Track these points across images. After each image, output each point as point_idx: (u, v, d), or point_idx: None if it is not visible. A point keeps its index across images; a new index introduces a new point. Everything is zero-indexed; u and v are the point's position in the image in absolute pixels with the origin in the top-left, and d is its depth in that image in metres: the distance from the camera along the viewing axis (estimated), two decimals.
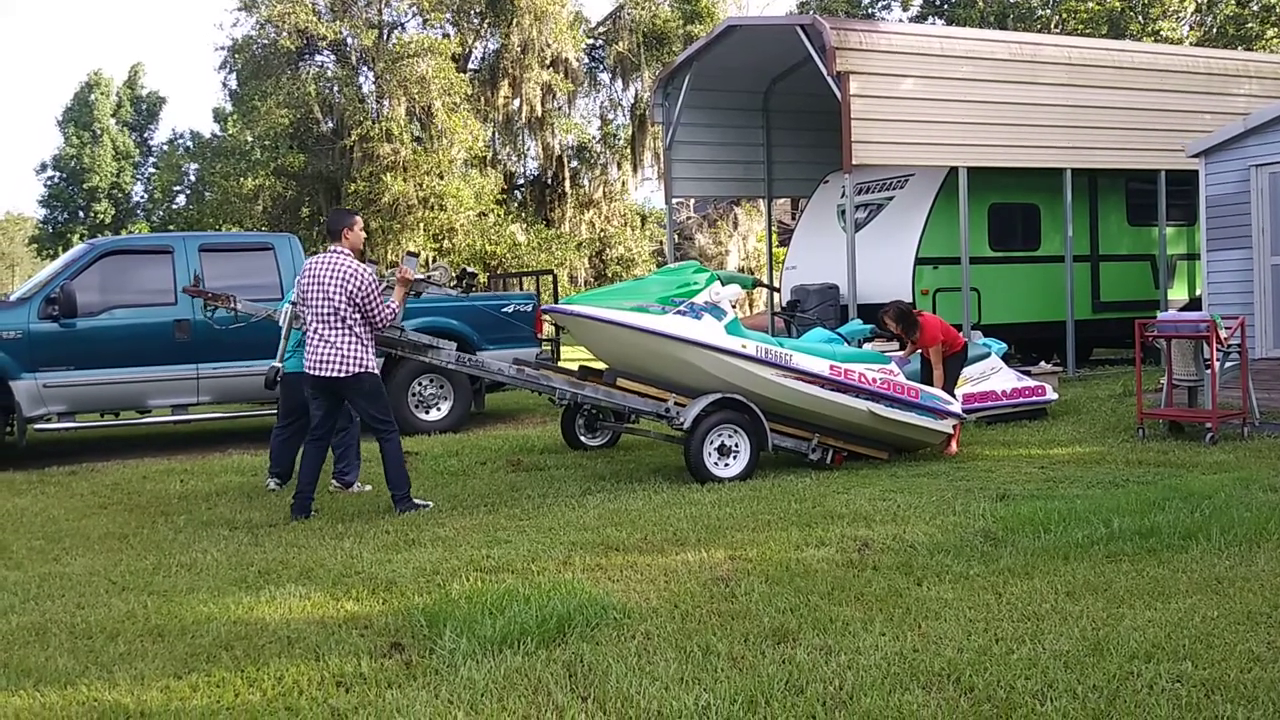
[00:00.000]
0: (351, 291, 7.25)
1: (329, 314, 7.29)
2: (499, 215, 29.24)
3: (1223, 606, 4.83)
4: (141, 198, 52.60)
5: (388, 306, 7.48)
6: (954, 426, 9.38)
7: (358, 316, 7.33)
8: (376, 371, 7.50)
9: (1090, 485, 7.79)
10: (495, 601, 4.91)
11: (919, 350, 10.08)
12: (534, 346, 12.65)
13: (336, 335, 7.30)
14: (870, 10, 31.37)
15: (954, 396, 9.60)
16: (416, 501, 7.65)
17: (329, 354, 7.30)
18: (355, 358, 7.32)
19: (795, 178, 18.57)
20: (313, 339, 7.39)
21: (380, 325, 7.44)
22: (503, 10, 29.56)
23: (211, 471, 9.73)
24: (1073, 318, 15.05)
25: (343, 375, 7.31)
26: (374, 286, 7.36)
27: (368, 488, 8.43)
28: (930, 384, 9.53)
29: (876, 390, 8.78)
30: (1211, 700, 3.81)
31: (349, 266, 7.31)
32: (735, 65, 17.03)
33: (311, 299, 7.36)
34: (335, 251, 7.42)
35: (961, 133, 14.04)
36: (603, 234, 32.74)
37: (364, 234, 7.80)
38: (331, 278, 7.28)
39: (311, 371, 7.38)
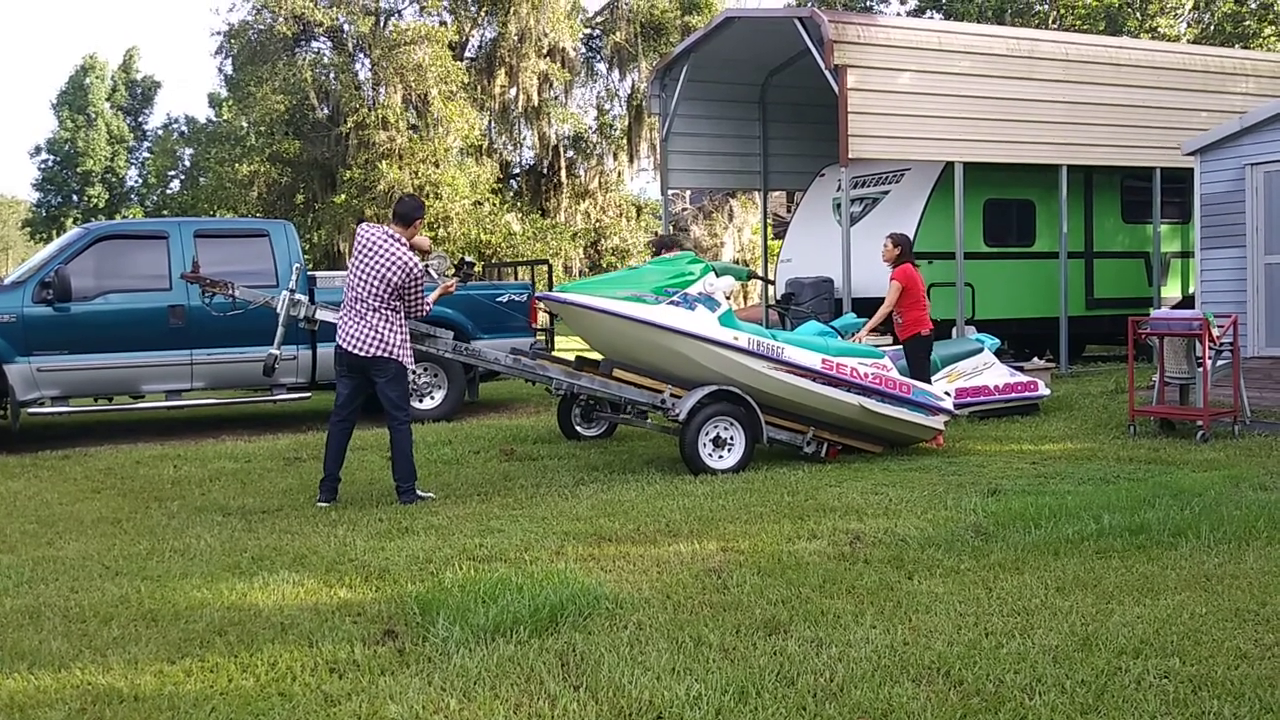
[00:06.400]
0: (396, 283, 7.33)
1: (365, 294, 7.37)
2: (494, 204, 29.17)
3: (1211, 603, 4.86)
4: (136, 182, 52.49)
5: (426, 301, 7.62)
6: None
7: (395, 303, 7.41)
8: (405, 359, 7.53)
9: (1081, 481, 7.83)
10: (488, 590, 4.93)
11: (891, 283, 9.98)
12: (528, 336, 12.65)
13: (372, 314, 7.37)
14: (868, 4, 31.33)
15: (928, 384, 9.61)
16: (420, 493, 7.67)
17: (361, 331, 7.38)
18: (385, 340, 7.40)
19: (791, 170, 18.55)
20: (348, 314, 7.46)
21: (415, 316, 7.58)
22: None
23: (205, 457, 9.73)
24: (1066, 314, 15.08)
25: (368, 354, 7.38)
26: (421, 278, 7.46)
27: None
28: (918, 378, 9.53)
29: (868, 385, 8.80)
30: (1199, 696, 3.84)
31: (403, 259, 7.36)
32: (733, 57, 17.01)
33: (353, 275, 7.44)
34: (392, 236, 7.46)
35: (958, 128, 14.05)
36: (598, 224, 32.69)
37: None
38: (382, 262, 7.34)
39: (343, 346, 7.46)
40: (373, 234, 7.49)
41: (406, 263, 7.36)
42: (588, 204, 32.71)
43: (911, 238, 14.02)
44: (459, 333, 10.78)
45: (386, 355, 7.41)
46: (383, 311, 7.38)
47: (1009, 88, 14.38)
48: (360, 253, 7.45)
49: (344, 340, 7.46)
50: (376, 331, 7.38)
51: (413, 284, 7.41)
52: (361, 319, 7.40)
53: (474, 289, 12.74)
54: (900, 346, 10.19)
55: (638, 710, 3.77)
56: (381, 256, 7.35)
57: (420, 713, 3.77)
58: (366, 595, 5.20)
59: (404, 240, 7.49)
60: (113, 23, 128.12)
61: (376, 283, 7.34)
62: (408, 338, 7.57)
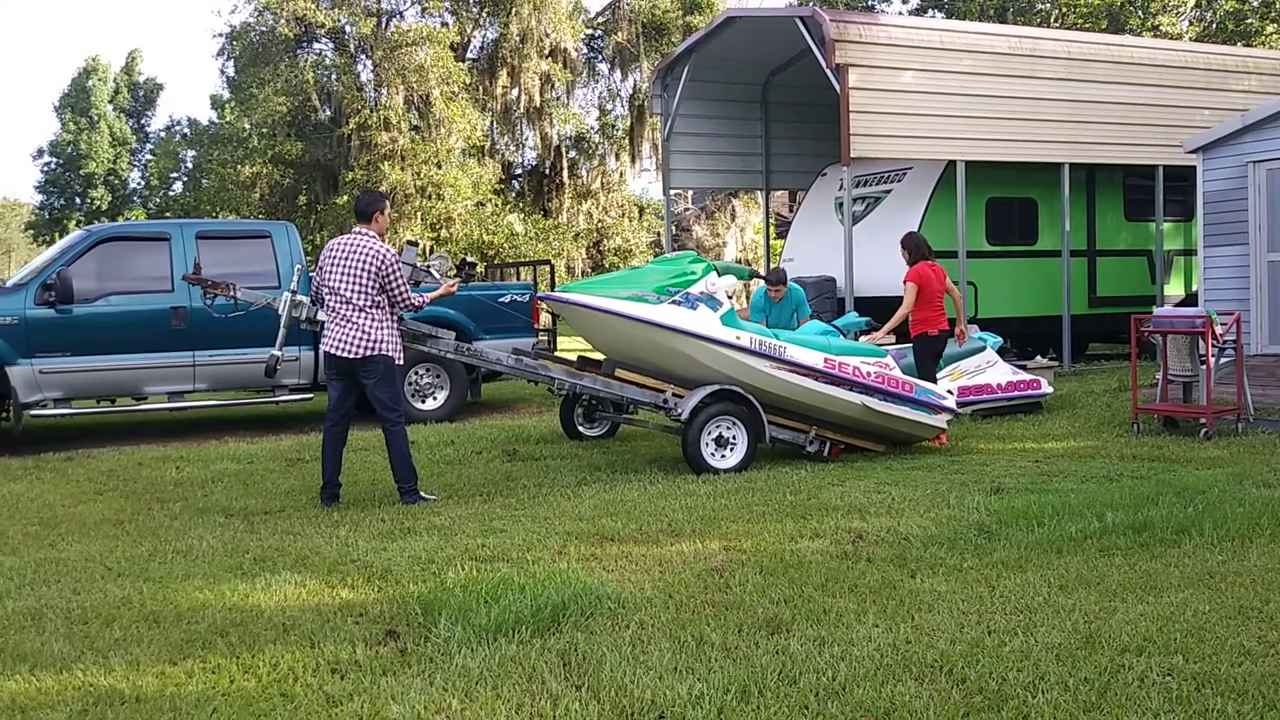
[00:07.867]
0: (374, 273, 7.34)
1: (351, 295, 7.37)
2: (496, 205, 29.18)
3: (1214, 601, 4.86)
4: (138, 184, 52.58)
5: (414, 294, 7.59)
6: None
7: (380, 299, 7.41)
8: (395, 357, 7.52)
9: (1084, 479, 7.81)
10: (490, 590, 4.92)
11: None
12: (530, 336, 12.66)
13: (357, 315, 7.38)
14: (870, 3, 31.31)
15: (934, 384, 9.61)
16: (423, 494, 7.66)
17: (348, 333, 7.39)
18: (372, 339, 7.39)
19: (793, 170, 18.54)
20: (333, 319, 7.46)
21: (400, 305, 7.54)
22: None
23: (207, 459, 9.74)
24: (1069, 312, 15.07)
25: (358, 356, 7.38)
26: (398, 267, 7.45)
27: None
28: (924, 377, 9.53)
29: (871, 384, 8.79)
30: (1202, 694, 3.83)
31: (375, 249, 7.38)
32: (734, 57, 17.00)
33: (333, 279, 7.43)
34: (361, 233, 7.50)
35: (960, 126, 14.04)
36: (600, 225, 32.69)
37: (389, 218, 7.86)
38: (359, 259, 7.35)
39: (331, 351, 7.45)
40: (341, 240, 7.53)
41: (380, 251, 7.37)
42: (590, 204, 32.71)
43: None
44: (461, 333, 10.80)
45: (375, 354, 7.40)
46: (368, 311, 7.38)
47: (1011, 86, 14.36)
48: (334, 260, 7.43)
49: (330, 345, 7.47)
50: (363, 332, 7.37)
51: (391, 272, 7.40)
52: (348, 321, 7.39)
53: (476, 289, 12.75)
54: (902, 345, 10.18)
55: (640, 710, 3.76)
56: (357, 254, 7.36)
57: (422, 713, 3.77)
58: (369, 596, 5.20)
59: (373, 234, 7.52)
60: (115, 25, 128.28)
61: (364, 278, 7.33)
62: (396, 333, 7.56)
